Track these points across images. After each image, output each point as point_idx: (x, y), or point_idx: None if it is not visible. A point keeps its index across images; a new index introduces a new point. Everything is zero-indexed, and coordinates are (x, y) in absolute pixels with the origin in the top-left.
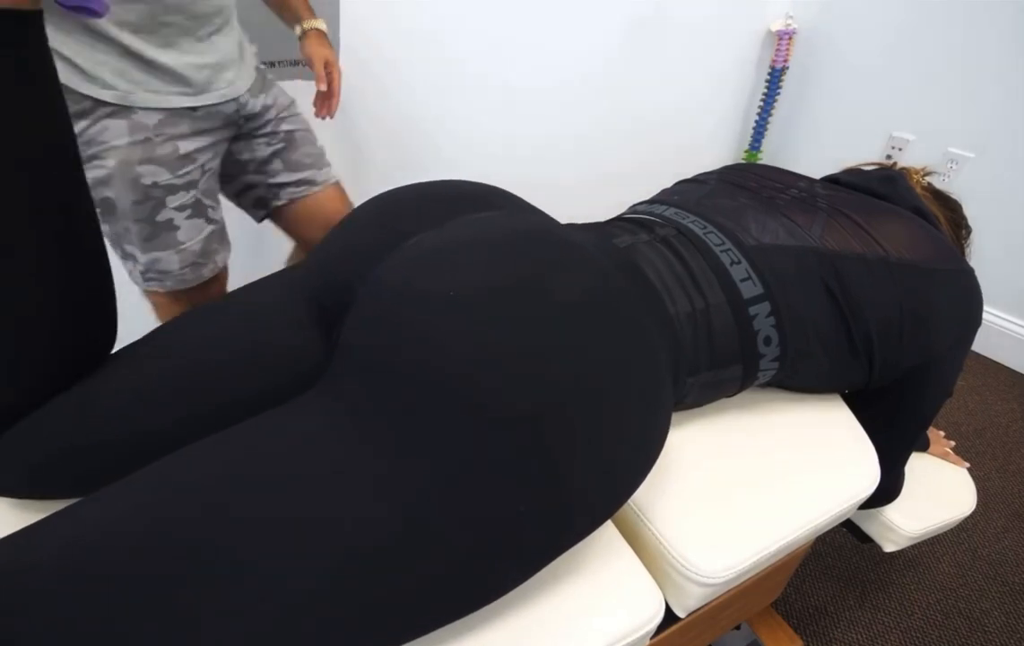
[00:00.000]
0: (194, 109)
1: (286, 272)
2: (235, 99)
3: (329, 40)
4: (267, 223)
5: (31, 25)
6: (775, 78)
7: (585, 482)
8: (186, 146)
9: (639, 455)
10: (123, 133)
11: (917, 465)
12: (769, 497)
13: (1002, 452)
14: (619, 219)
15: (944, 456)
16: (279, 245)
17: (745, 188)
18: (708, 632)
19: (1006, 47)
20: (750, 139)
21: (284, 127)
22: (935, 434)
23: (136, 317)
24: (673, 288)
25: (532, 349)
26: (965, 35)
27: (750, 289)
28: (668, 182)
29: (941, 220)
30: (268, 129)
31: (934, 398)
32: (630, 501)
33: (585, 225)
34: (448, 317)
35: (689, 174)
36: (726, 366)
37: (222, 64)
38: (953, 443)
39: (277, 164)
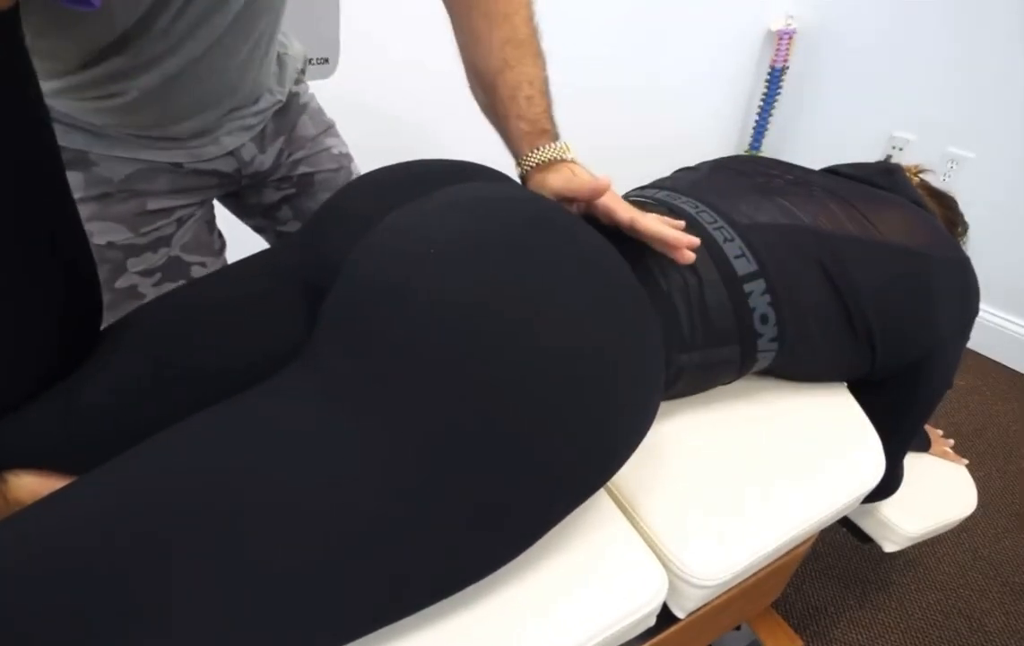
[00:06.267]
0: (178, 165)
1: (273, 250)
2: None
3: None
4: None
5: (4, 24)
6: (775, 78)
7: (571, 450)
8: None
9: (628, 425)
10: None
11: (917, 465)
12: (768, 494)
13: (1002, 452)
14: None
15: (943, 455)
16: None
17: (740, 173)
18: (708, 633)
19: (1006, 47)
20: (750, 139)
21: (300, 170)
22: (934, 433)
23: None
24: (664, 262)
25: (513, 314)
26: (965, 35)
27: (744, 266)
28: None
29: (937, 216)
30: (279, 174)
31: (935, 389)
32: (623, 500)
33: None
34: (427, 284)
35: None
36: (722, 345)
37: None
38: (952, 442)
39: (286, 211)
